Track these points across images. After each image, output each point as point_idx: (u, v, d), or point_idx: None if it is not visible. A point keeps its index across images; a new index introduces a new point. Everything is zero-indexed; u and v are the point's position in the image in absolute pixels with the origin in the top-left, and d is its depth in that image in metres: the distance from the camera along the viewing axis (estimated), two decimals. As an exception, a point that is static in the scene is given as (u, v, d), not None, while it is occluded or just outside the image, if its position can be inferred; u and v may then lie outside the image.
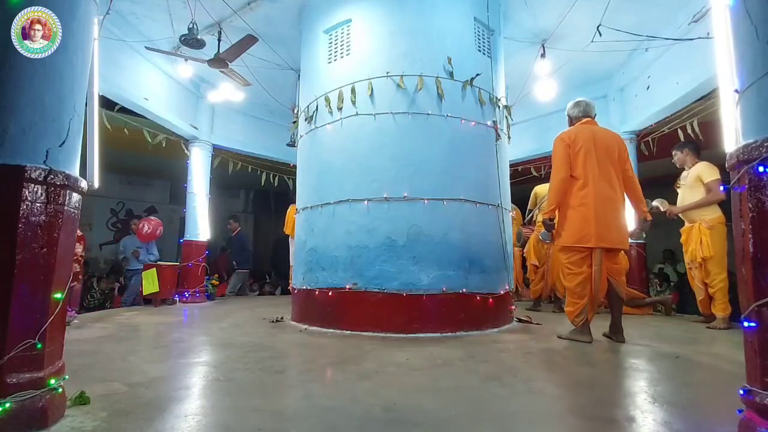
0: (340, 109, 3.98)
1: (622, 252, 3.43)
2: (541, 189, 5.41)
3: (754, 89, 1.29)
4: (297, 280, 4.26)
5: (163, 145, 6.43)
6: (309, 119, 4.32)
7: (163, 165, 9.08)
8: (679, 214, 4.32)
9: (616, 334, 3.17)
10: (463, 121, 3.89)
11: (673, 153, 4.49)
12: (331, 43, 4.28)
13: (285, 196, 8.39)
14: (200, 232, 6.49)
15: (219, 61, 4.80)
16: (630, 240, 3.54)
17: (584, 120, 3.32)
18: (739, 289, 1.38)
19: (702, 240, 4.05)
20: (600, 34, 4.34)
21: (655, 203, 4.39)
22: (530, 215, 5.68)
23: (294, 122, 5.35)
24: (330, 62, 4.25)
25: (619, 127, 5.68)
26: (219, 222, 10.01)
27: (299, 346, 3.14)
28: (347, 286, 3.66)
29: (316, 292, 3.85)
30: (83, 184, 1.68)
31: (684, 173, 4.38)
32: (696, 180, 4.16)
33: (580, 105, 3.38)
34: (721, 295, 3.98)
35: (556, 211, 3.27)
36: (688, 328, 4.04)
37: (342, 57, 4.16)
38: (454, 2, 4.12)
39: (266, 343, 3.14)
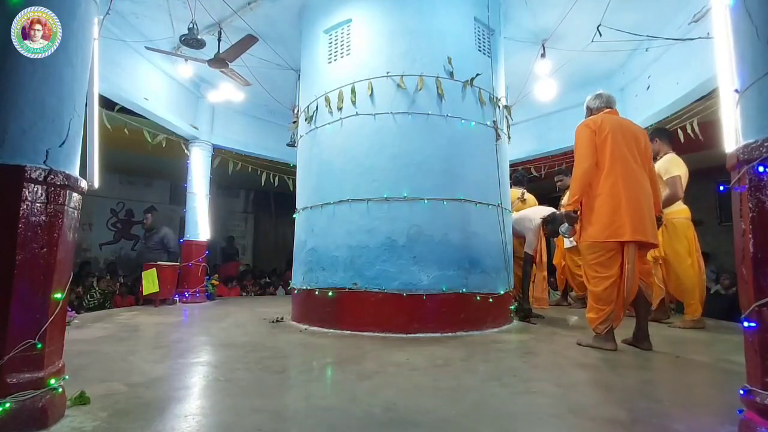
0: (340, 109, 3.98)
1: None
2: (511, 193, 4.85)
3: (754, 89, 1.29)
4: (297, 280, 4.26)
5: (163, 145, 6.44)
6: (309, 119, 4.32)
7: (163, 165, 9.08)
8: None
9: (642, 341, 2.90)
10: (463, 121, 3.89)
11: None
12: (331, 43, 4.28)
13: (285, 196, 8.37)
14: (200, 232, 6.50)
15: (219, 61, 4.80)
16: None
17: (606, 110, 3.08)
18: (739, 289, 1.38)
19: None
20: (600, 34, 4.33)
21: None
22: None
23: (294, 122, 5.35)
24: (330, 62, 4.25)
25: (619, 127, 5.65)
26: (219, 222, 9.98)
27: (299, 346, 3.14)
28: (347, 286, 3.66)
29: (316, 292, 3.85)
30: (83, 184, 1.68)
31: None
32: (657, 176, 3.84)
33: (602, 97, 3.15)
34: (688, 297, 3.77)
35: (580, 204, 2.96)
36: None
37: (342, 57, 4.16)
38: (454, 2, 4.12)
39: (266, 343, 3.14)
